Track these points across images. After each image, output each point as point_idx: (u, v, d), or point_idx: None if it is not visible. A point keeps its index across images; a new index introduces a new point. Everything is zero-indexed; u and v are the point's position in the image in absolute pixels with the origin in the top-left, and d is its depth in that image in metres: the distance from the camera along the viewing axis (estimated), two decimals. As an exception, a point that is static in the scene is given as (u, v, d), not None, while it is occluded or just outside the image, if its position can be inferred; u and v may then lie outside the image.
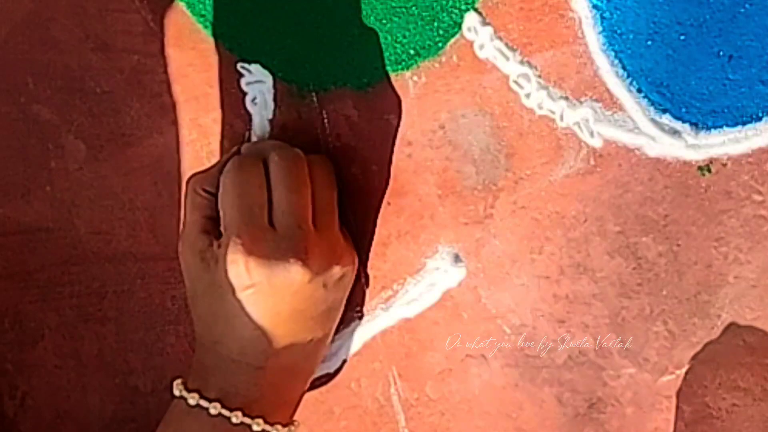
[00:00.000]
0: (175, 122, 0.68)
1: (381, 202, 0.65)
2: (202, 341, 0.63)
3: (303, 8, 0.64)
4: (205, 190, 0.63)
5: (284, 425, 0.62)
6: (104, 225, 0.71)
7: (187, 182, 0.64)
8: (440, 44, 0.62)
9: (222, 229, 0.61)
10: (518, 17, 0.60)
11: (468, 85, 0.61)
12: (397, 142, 0.64)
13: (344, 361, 0.67)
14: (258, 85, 0.66)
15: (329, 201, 0.63)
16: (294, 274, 0.59)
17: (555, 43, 0.59)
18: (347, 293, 0.64)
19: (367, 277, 0.66)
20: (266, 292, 0.59)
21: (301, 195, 0.61)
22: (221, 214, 0.61)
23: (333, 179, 0.64)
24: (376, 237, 0.65)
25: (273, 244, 0.59)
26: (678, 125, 0.58)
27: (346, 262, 0.62)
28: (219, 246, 0.60)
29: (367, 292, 0.66)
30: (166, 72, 0.68)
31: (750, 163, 0.57)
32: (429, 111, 0.63)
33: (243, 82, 0.66)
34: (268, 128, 0.66)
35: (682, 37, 0.57)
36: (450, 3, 0.61)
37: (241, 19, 0.65)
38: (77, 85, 0.70)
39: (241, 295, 0.59)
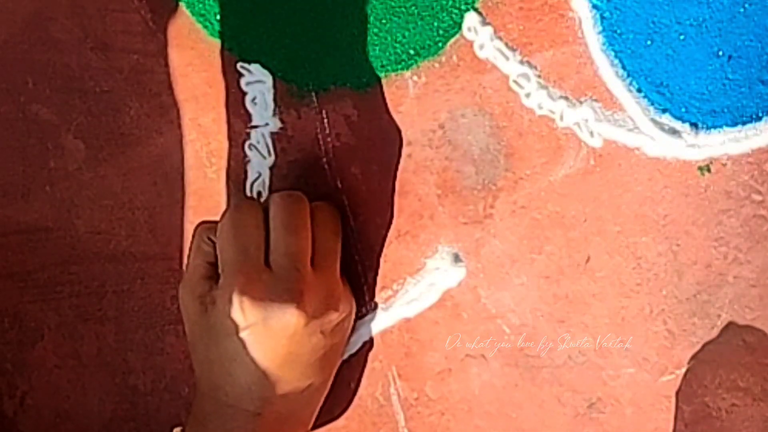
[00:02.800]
0: (174, 122, 0.68)
1: (381, 202, 0.65)
2: (201, 387, 0.63)
3: (303, 8, 0.64)
4: (210, 239, 0.63)
5: None
6: (104, 225, 0.71)
7: (196, 228, 0.64)
8: (440, 44, 0.62)
9: (219, 270, 0.61)
10: (518, 17, 0.60)
11: (468, 85, 0.61)
12: (397, 142, 0.64)
13: (344, 361, 0.67)
14: (258, 85, 0.66)
15: (331, 246, 0.63)
16: (289, 316, 0.59)
17: (555, 43, 0.59)
18: (345, 339, 0.64)
19: (367, 277, 0.66)
20: (262, 333, 0.59)
21: (300, 236, 0.61)
22: (218, 255, 0.61)
23: (338, 226, 0.64)
24: (376, 237, 0.65)
25: (268, 285, 0.59)
26: (678, 125, 0.58)
27: (344, 308, 0.62)
28: (217, 289, 0.60)
29: (367, 291, 0.66)
30: (165, 72, 0.68)
31: (750, 163, 0.57)
32: (429, 111, 0.63)
33: (243, 82, 0.66)
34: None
35: (682, 37, 0.57)
36: (450, 3, 0.61)
37: (241, 19, 0.65)
38: (77, 85, 0.70)
39: (237, 336, 0.59)
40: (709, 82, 0.57)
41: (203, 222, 0.64)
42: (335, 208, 0.64)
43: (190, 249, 0.63)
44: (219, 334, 0.60)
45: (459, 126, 0.62)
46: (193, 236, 0.64)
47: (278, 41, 0.65)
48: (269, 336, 0.59)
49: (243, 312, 0.59)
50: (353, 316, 0.64)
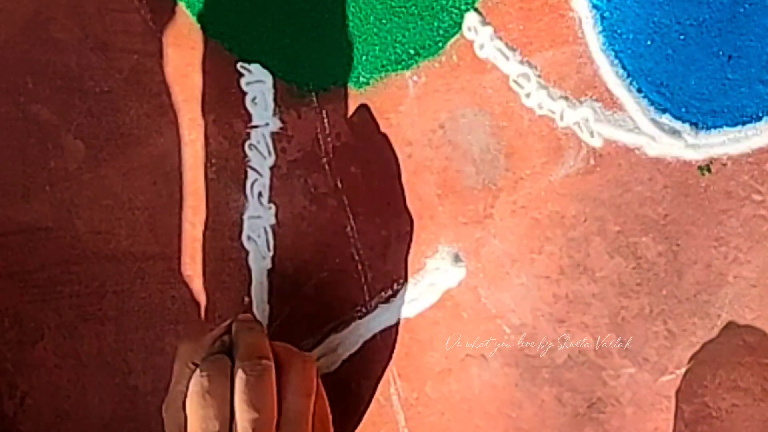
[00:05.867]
0: (174, 122, 0.68)
1: (381, 202, 0.65)
2: None
3: (303, 8, 0.64)
4: (194, 363, 0.63)
5: None
6: (104, 225, 0.71)
7: (179, 348, 0.64)
8: (440, 44, 0.62)
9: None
10: (518, 17, 0.60)
11: (468, 85, 0.61)
12: (397, 142, 0.64)
13: (344, 361, 0.67)
14: (258, 84, 0.66)
15: (301, 409, 0.62)
16: None
17: (555, 43, 0.59)
18: None
19: (367, 277, 0.66)
20: None
21: (262, 411, 0.61)
22: (186, 414, 0.62)
23: (311, 385, 0.63)
24: (376, 237, 0.65)
25: None
26: (678, 125, 0.58)
27: None
28: None
29: (367, 291, 0.66)
30: (165, 72, 0.68)
31: (750, 162, 0.57)
32: (429, 111, 0.63)
33: (243, 81, 0.66)
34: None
35: (682, 37, 0.57)
36: (450, 3, 0.61)
37: (241, 19, 0.65)
38: (77, 85, 0.70)
39: None
40: (709, 82, 0.57)
41: (185, 343, 0.64)
42: (310, 363, 0.63)
43: (174, 368, 0.64)
44: None
45: (459, 126, 0.62)
46: (176, 355, 0.64)
47: (278, 41, 0.65)
48: None
49: None
50: None
